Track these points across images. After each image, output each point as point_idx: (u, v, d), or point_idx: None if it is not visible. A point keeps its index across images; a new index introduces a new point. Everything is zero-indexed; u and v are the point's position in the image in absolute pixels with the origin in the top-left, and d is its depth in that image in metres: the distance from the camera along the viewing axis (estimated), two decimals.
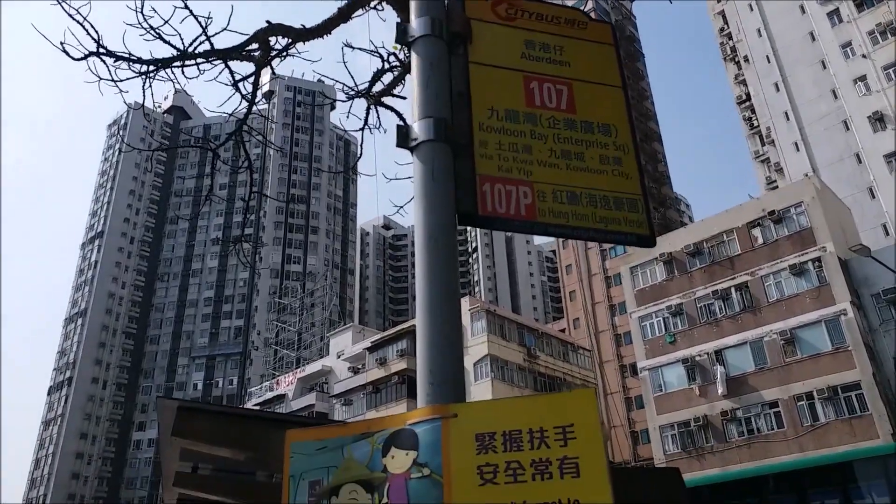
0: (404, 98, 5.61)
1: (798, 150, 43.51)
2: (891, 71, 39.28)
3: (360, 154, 6.27)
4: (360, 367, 45.68)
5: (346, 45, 5.68)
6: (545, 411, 1.26)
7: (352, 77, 5.56)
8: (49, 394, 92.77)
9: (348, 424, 1.42)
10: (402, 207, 6.00)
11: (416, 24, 1.97)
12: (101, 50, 4.62)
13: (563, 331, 52.66)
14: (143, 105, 5.20)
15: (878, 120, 39.24)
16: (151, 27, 4.74)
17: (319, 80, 6.80)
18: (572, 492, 1.18)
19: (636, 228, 1.87)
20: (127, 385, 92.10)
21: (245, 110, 5.58)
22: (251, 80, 5.25)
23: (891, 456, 12.47)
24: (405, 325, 44.76)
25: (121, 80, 4.97)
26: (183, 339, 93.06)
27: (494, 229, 1.82)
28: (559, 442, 1.22)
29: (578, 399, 1.31)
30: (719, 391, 28.08)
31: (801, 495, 12.18)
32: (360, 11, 5.03)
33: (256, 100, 5.74)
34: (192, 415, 2.70)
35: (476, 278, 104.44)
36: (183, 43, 4.78)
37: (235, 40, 5.01)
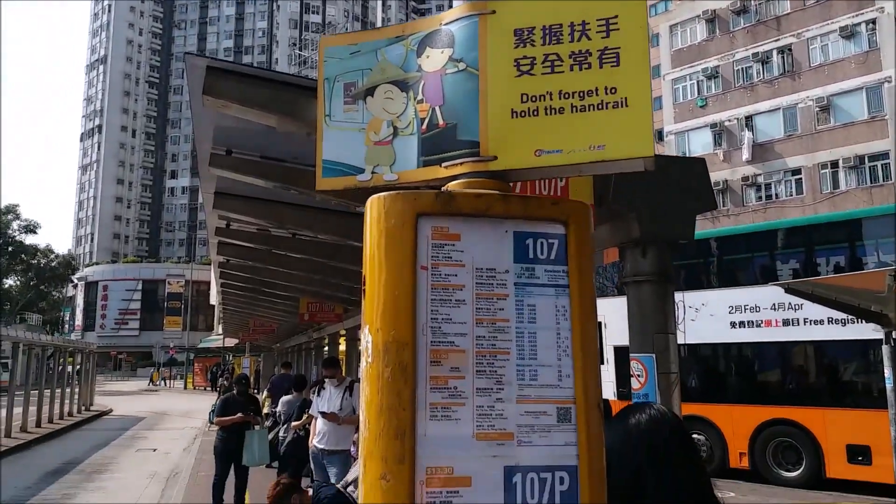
0: None
1: None
2: None
3: None
4: None
5: None
6: (589, 5, 1.21)
7: None
8: (81, 140, 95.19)
9: (381, 29, 1.38)
10: None
11: None
12: None
13: None
14: None
15: None
16: None
17: None
18: (610, 80, 1.17)
19: None
20: (155, 134, 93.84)
21: None
22: None
23: None
24: None
25: None
26: None
27: None
28: (601, 34, 1.18)
29: None
30: (744, 157, 27.97)
31: (808, 251, 12.58)
32: None
33: None
34: (222, 75, 2.69)
35: None
36: None
37: None
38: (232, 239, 6.81)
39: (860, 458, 10.96)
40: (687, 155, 30.44)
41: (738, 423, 11.91)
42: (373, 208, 1.13)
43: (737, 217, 27.40)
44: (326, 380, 8.32)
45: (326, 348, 15.47)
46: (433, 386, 1.11)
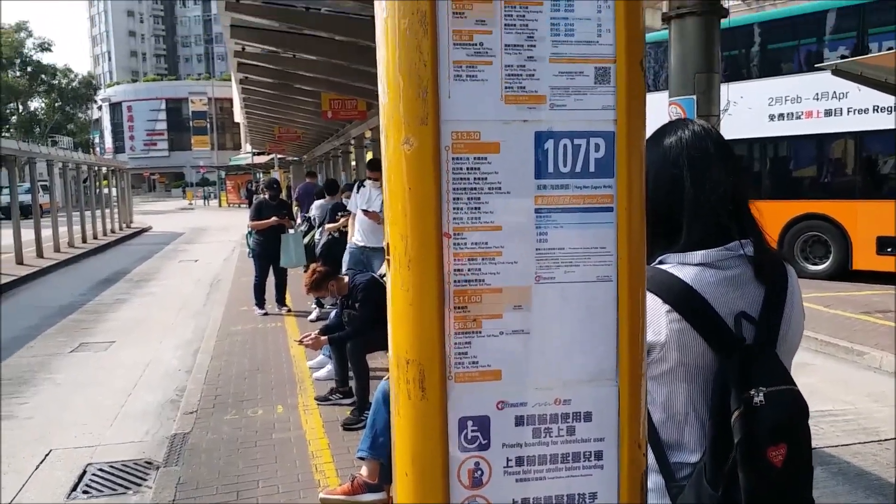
0: None
1: None
2: None
3: None
4: None
5: None
6: None
7: None
8: None
9: None
10: None
11: None
12: None
13: None
14: None
15: None
16: None
17: None
18: None
19: None
20: None
21: None
22: None
23: None
24: None
25: None
26: None
27: None
28: None
29: None
30: None
31: (860, 35, 11.73)
32: None
33: None
34: None
35: None
36: None
37: None
38: (243, 14, 6.41)
39: (889, 250, 11.01)
40: None
41: (769, 218, 11.66)
42: None
43: (784, 4, 25.46)
44: (369, 181, 8.43)
45: (353, 153, 15.46)
46: (456, 41, 0.99)
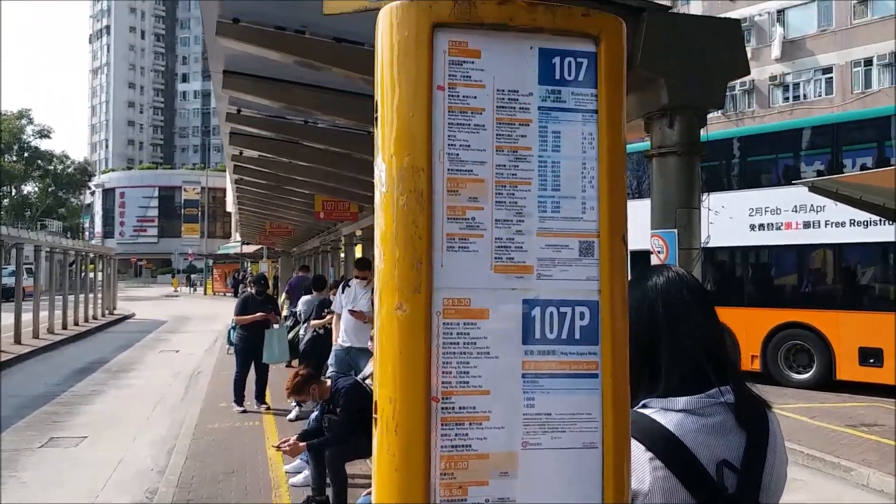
0: None
1: None
2: None
3: None
4: None
5: None
6: None
7: None
8: (90, 42, 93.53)
9: None
10: None
11: None
12: None
13: None
14: None
15: None
16: None
17: None
18: None
19: None
20: (165, 36, 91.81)
21: None
22: None
23: None
24: None
25: None
26: None
27: None
28: None
29: None
30: (773, 55, 26.87)
31: (834, 151, 12.24)
32: None
33: None
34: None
35: None
36: None
37: None
38: (243, 125, 6.62)
39: (871, 361, 11.04)
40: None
41: (752, 326, 11.97)
42: (383, 21, 1.04)
43: (762, 119, 26.67)
44: (355, 280, 8.32)
45: (342, 249, 15.59)
46: (450, 216, 1.05)
